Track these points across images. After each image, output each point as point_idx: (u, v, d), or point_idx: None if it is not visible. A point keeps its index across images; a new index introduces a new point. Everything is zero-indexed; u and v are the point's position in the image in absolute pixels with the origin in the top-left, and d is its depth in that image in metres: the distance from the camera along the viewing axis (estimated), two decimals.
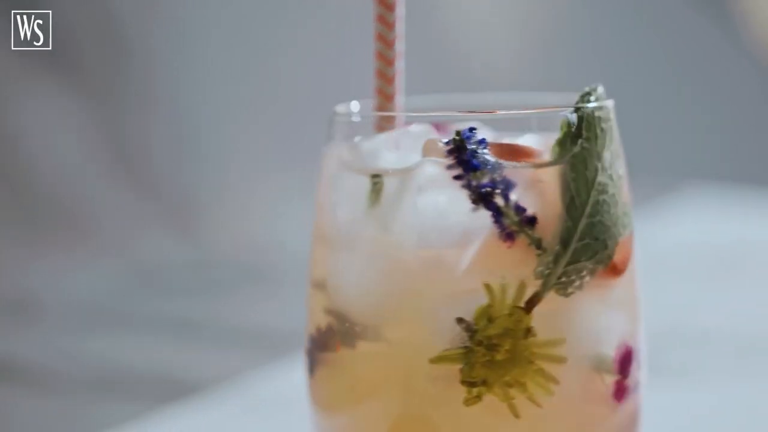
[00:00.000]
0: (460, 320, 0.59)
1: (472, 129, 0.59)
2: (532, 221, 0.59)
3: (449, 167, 0.59)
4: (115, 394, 0.99)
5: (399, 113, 0.63)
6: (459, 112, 0.62)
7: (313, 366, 0.64)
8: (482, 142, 0.59)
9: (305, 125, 1.39)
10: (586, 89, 0.61)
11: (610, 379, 0.61)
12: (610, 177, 0.60)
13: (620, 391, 0.61)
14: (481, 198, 0.59)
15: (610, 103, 0.63)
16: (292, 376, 0.93)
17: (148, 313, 1.23)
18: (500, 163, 0.59)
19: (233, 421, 0.89)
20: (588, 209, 0.59)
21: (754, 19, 2.28)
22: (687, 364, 0.97)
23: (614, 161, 0.61)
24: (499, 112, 0.61)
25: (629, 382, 0.62)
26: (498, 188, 0.59)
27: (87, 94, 1.44)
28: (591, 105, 0.61)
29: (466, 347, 0.59)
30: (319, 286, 0.64)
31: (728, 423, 0.87)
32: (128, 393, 0.99)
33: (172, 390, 0.97)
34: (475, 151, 0.59)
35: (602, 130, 0.60)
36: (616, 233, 0.60)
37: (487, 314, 0.59)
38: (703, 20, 2.23)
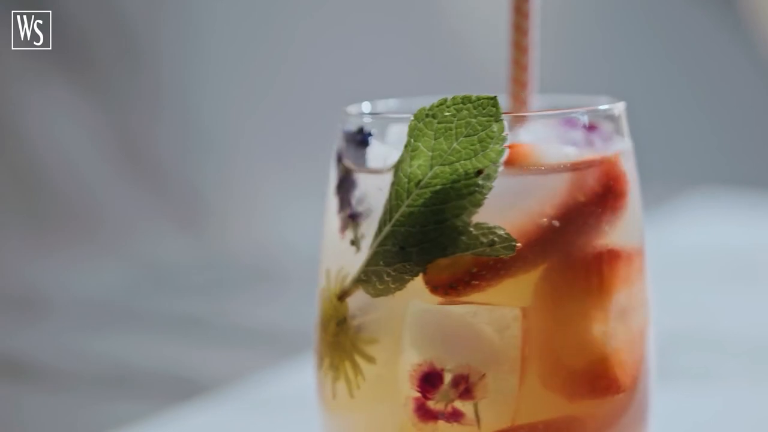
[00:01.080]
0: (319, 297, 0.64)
1: (361, 129, 0.61)
2: (353, 217, 0.60)
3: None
4: (122, 393, 0.99)
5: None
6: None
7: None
8: (364, 140, 0.61)
9: (314, 124, 1.39)
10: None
11: (411, 395, 0.59)
12: (447, 192, 0.58)
13: (422, 411, 0.59)
14: (337, 188, 0.62)
15: (621, 106, 0.63)
16: (300, 375, 0.93)
17: (155, 312, 1.23)
18: (359, 164, 0.61)
19: (241, 421, 0.89)
20: (396, 217, 0.58)
21: (764, 23, 2.27)
22: (698, 368, 0.97)
23: (468, 178, 0.57)
24: (510, 114, 0.61)
25: (435, 406, 0.59)
26: (345, 182, 0.61)
27: (92, 93, 1.44)
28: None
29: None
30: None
31: (740, 427, 0.87)
32: (135, 391, 0.99)
33: (180, 389, 0.97)
34: (353, 146, 0.62)
35: (450, 142, 0.58)
36: (435, 249, 0.58)
37: (322, 295, 0.63)
38: (714, 25, 2.23)
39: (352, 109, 0.64)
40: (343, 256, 0.60)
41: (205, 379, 0.99)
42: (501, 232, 0.57)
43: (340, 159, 0.62)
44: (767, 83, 2.24)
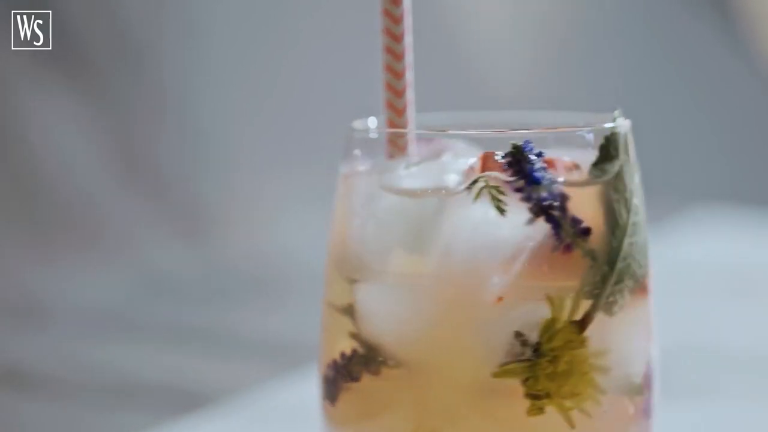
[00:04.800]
0: (518, 334, 0.60)
1: (527, 142, 0.60)
2: (587, 232, 0.60)
3: (508, 181, 0.60)
4: (123, 403, 0.99)
5: (410, 129, 0.64)
6: (487, 130, 0.62)
7: (334, 392, 0.64)
8: (540, 155, 0.60)
9: (316, 134, 1.39)
10: (616, 112, 0.62)
11: (639, 398, 0.62)
12: (640, 198, 0.62)
13: (648, 410, 0.63)
14: (542, 210, 0.60)
15: (627, 124, 0.64)
16: (302, 387, 0.93)
17: (156, 322, 1.23)
18: (556, 178, 0.60)
19: None
20: (630, 228, 0.60)
21: (766, 40, 2.28)
22: (699, 384, 0.97)
23: (637, 182, 0.62)
24: (527, 130, 0.61)
25: (653, 399, 0.63)
26: (557, 201, 0.60)
27: (93, 98, 1.43)
28: (621, 126, 0.62)
29: (529, 359, 0.60)
30: (345, 312, 0.63)
31: None
32: (136, 402, 0.99)
33: (181, 400, 0.97)
34: (534, 164, 0.60)
35: (627, 151, 0.62)
36: (647, 254, 0.62)
37: (550, 327, 0.60)
38: (717, 41, 2.23)
39: (358, 124, 0.64)
40: (571, 278, 0.60)
41: (207, 389, 0.99)
42: None
43: (522, 189, 0.60)
44: None
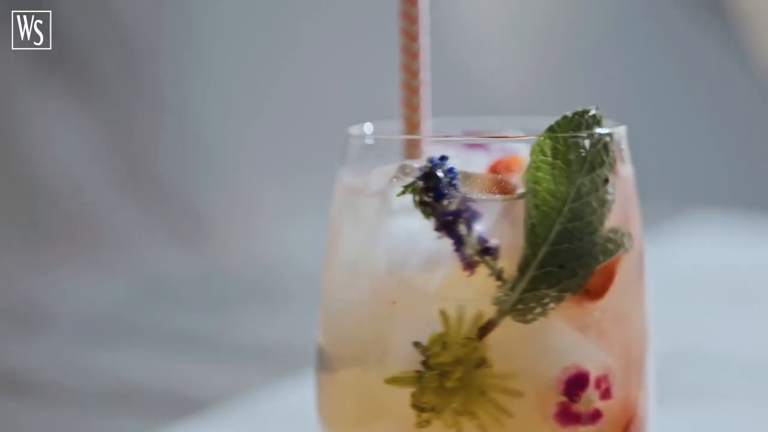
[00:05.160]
0: (416, 344, 0.60)
1: (443, 157, 0.60)
2: (491, 251, 0.59)
3: (419, 193, 0.60)
4: (122, 408, 0.99)
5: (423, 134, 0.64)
6: (475, 136, 0.63)
7: (317, 385, 0.66)
8: (451, 171, 0.60)
9: (316, 139, 1.39)
10: (577, 110, 0.61)
11: (555, 400, 0.60)
12: (590, 203, 0.60)
13: (565, 415, 0.60)
14: (444, 226, 0.59)
15: (622, 129, 0.64)
16: (300, 392, 0.93)
17: (155, 327, 1.23)
18: (467, 193, 0.60)
19: None
20: (552, 236, 0.59)
21: (763, 45, 2.28)
22: (696, 388, 0.97)
23: (602, 186, 0.60)
24: (521, 135, 0.62)
25: (580, 408, 0.60)
26: (462, 217, 0.59)
27: (90, 96, 1.43)
28: (617, 132, 0.62)
29: (418, 371, 0.60)
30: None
31: None
32: (135, 407, 0.99)
33: (179, 405, 0.97)
34: (442, 180, 0.60)
35: (582, 156, 0.60)
36: (590, 260, 0.60)
37: (441, 341, 0.59)
38: (714, 46, 2.23)
39: (354, 130, 0.65)
40: (472, 294, 0.60)
41: (205, 394, 0.99)
42: (625, 231, 0.61)
43: (427, 203, 0.60)
44: (766, 103, 2.24)
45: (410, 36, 0.64)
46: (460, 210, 0.59)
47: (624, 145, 0.64)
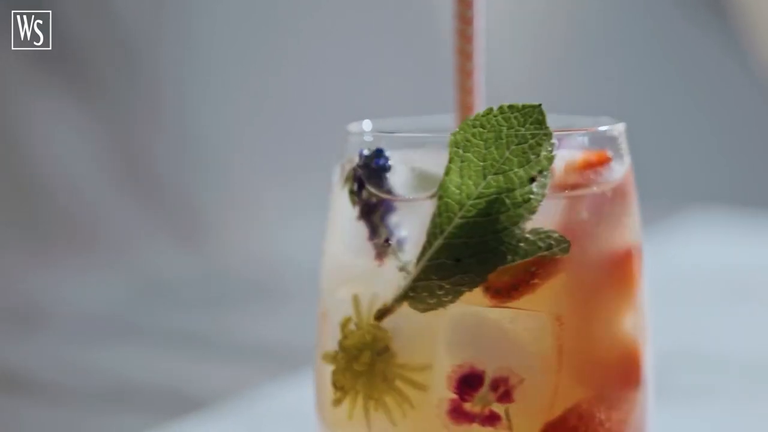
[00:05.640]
0: (341, 325, 0.62)
1: (378, 151, 0.61)
2: (399, 242, 0.61)
3: (350, 183, 0.62)
4: (121, 407, 0.99)
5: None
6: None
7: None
8: (382, 165, 0.61)
9: (314, 138, 1.39)
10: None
11: (447, 396, 0.60)
12: (502, 200, 0.59)
13: (457, 413, 0.60)
14: (363, 215, 0.61)
15: (620, 127, 0.64)
16: (299, 391, 0.93)
17: (153, 326, 1.23)
18: (390, 188, 0.61)
19: None
20: (449, 229, 0.59)
21: (762, 45, 2.28)
22: (695, 386, 0.97)
23: (522, 185, 0.59)
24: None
25: (473, 408, 0.60)
26: (378, 209, 0.61)
27: (90, 96, 1.43)
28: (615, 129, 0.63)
29: (335, 351, 0.61)
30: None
31: None
32: (134, 405, 0.99)
33: (178, 403, 0.97)
34: (372, 172, 0.61)
35: (499, 152, 0.59)
36: (493, 258, 0.59)
37: (348, 324, 0.61)
38: (714, 45, 2.23)
39: (353, 127, 0.65)
40: (383, 283, 0.61)
41: (204, 393, 0.99)
42: (555, 235, 0.59)
43: (361, 185, 0.62)
44: (766, 102, 2.24)
45: (465, 20, 0.64)
46: (376, 202, 0.61)
47: (623, 143, 0.64)
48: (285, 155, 1.60)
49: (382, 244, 0.61)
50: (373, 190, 0.61)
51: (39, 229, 1.37)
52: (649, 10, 2.23)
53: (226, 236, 1.51)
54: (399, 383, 0.60)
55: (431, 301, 0.59)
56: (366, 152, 0.61)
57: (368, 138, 0.63)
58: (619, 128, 0.64)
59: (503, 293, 0.59)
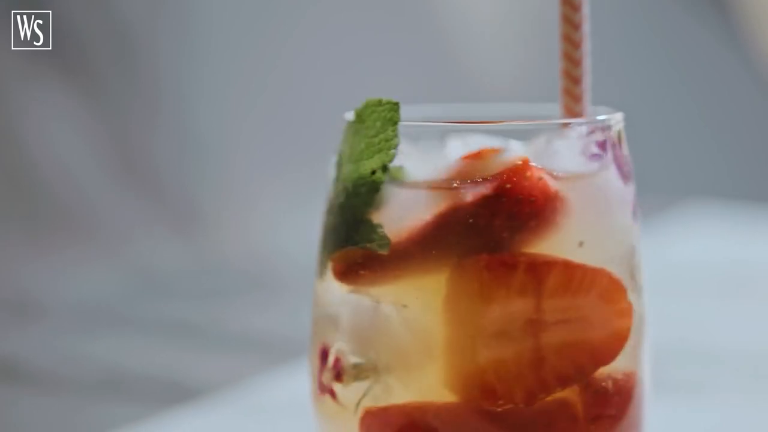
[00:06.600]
0: None
1: None
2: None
3: None
4: (116, 397, 0.99)
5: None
6: (463, 121, 0.63)
7: None
8: None
9: (310, 131, 1.39)
10: None
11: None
12: (347, 188, 0.61)
13: (318, 383, 0.63)
14: None
15: (619, 116, 0.64)
16: (292, 381, 0.93)
17: (150, 317, 1.23)
18: None
19: (234, 426, 0.89)
20: (327, 208, 0.63)
21: (761, 38, 2.28)
22: (692, 381, 0.97)
23: (361, 177, 0.61)
24: (501, 122, 0.62)
25: (324, 381, 0.63)
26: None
27: (89, 95, 1.44)
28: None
29: None
30: None
31: None
32: (129, 396, 0.99)
33: (173, 394, 0.97)
34: None
35: (356, 143, 0.61)
36: (335, 241, 0.62)
37: None
38: (712, 37, 2.23)
39: (350, 116, 0.65)
40: None
41: (199, 384, 0.99)
42: (380, 231, 0.60)
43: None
44: (763, 96, 2.24)
45: (573, 24, 0.64)
46: None
47: (616, 132, 0.63)
48: (281, 147, 1.60)
49: None
50: None
51: (36, 221, 1.38)
52: (650, 2, 2.23)
53: (222, 228, 1.51)
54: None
55: (320, 270, 0.63)
56: None
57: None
58: (617, 118, 0.64)
59: (338, 276, 0.62)
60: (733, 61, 2.25)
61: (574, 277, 0.59)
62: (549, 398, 0.59)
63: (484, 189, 0.59)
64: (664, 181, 1.84)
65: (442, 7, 1.87)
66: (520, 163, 0.59)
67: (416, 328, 0.60)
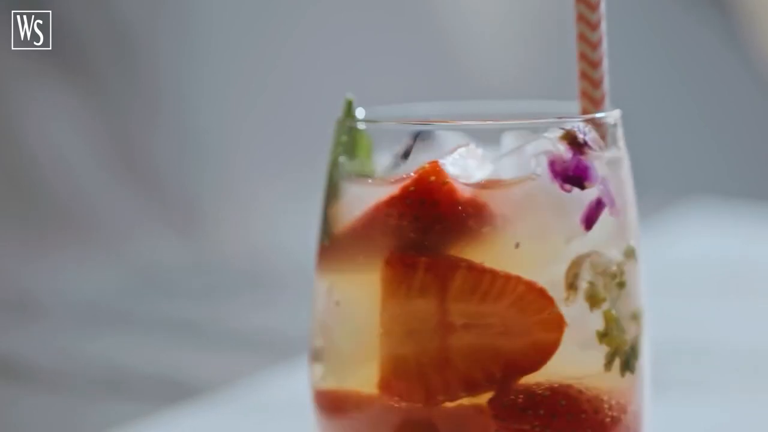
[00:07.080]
0: None
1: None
2: None
3: None
4: (116, 395, 0.99)
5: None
6: (474, 120, 0.63)
7: None
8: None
9: (310, 130, 1.39)
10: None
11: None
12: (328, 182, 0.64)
13: None
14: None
15: (616, 113, 0.63)
16: (291, 379, 0.93)
17: (149, 316, 1.23)
18: None
19: (234, 424, 0.90)
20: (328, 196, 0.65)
21: (762, 36, 2.28)
22: (692, 379, 0.97)
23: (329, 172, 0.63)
24: (504, 121, 0.62)
25: None
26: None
27: (89, 95, 1.44)
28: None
29: None
30: None
31: None
32: (129, 394, 0.99)
33: (173, 392, 0.97)
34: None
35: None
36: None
37: None
38: (711, 35, 2.23)
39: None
40: None
41: (199, 382, 0.99)
42: (328, 222, 0.63)
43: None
44: (764, 95, 2.24)
45: (590, 25, 0.62)
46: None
47: (612, 130, 0.63)
48: (281, 147, 1.60)
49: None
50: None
51: (35, 219, 1.38)
52: (650, 2, 2.23)
53: (222, 227, 1.51)
54: None
55: None
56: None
57: (362, 126, 0.63)
58: (614, 115, 0.63)
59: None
60: (733, 60, 2.25)
61: (482, 281, 0.58)
62: (466, 403, 0.58)
63: (394, 190, 0.59)
64: (665, 180, 1.84)
65: (443, 6, 1.87)
66: (427, 166, 0.59)
67: (346, 318, 0.61)
